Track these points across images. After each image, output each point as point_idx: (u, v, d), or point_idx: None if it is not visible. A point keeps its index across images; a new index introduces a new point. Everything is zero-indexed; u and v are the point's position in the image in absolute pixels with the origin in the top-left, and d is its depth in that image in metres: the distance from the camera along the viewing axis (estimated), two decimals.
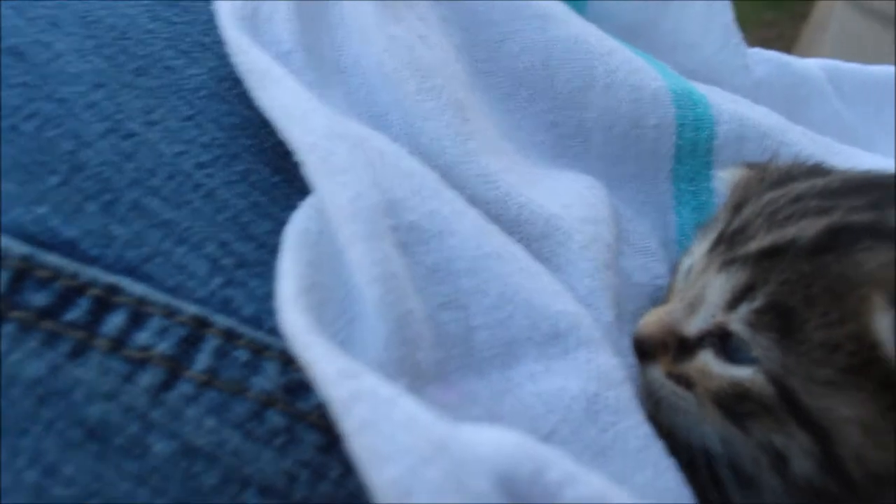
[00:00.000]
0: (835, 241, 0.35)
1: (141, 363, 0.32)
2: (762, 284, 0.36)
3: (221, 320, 0.34)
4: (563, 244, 0.41)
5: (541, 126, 0.50)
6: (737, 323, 0.37)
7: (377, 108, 0.42)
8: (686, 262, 0.43)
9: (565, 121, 0.50)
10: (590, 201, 0.46)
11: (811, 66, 0.69)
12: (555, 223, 0.42)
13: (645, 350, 0.40)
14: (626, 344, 0.42)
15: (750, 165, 0.46)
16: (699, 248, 0.41)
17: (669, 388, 0.39)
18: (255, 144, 0.39)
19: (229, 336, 0.33)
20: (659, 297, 0.48)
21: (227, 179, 0.38)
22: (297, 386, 0.33)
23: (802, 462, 0.36)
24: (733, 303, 0.37)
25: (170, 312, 0.33)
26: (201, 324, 0.33)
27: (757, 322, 0.36)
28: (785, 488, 0.37)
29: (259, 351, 0.34)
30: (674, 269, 0.46)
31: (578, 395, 0.34)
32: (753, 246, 0.37)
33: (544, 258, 0.41)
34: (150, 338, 0.33)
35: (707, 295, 0.38)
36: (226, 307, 0.34)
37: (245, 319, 0.34)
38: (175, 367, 0.32)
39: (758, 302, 0.36)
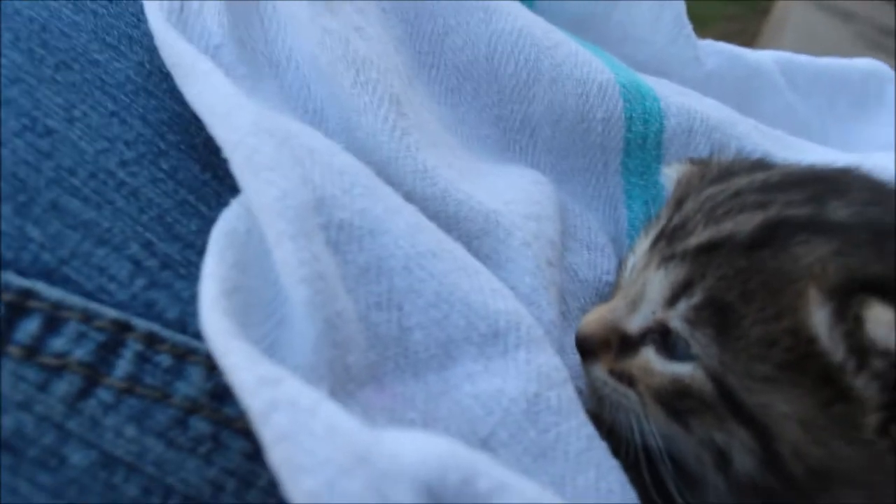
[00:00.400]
0: (772, 235, 0.35)
1: (57, 371, 0.31)
2: (700, 280, 0.35)
3: (143, 324, 0.32)
4: (504, 241, 0.40)
5: (486, 120, 0.49)
6: (676, 320, 0.36)
7: (313, 102, 0.41)
8: (631, 259, 0.43)
9: (511, 115, 0.49)
10: (535, 198, 0.45)
11: (764, 58, 0.69)
12: (495, 220, 0.41)
13: (587, 348, 0.40)
14: (571, 341, 0.41)
15: (693, 161, 0.45)
16: (641, 245, 0.40)
17: (612, 385, 0.39)
18: (183, 140, 0.38)
19: (151, 340, 0.32)
20: (607, 292, 0.47)
21: (153, 177, 0.36)
22: (222, 391, 0.32)
23: (744, 459, 0.35)
24: (672, 299, 0.36)
25: (87, 317, 0.32)
26: (122, 328, 0.32)
27: (695, 318, 0.35)
28: (728, 486, 0.37)
29: (183, 355, 0.32)
30: (621, 265, 0.45)
31: (518, 396, 0.34)
32: (692, 241, 0.37)
33: (484, 256, 0.40)
34: (67, 344, 0.31)
35: (648, 292, 0.38)
36: (149, 310, 0.33)
37: (169, 323, 0.33)
38: (93, 375, 0.31)
39: (696, 298, 0.35)
